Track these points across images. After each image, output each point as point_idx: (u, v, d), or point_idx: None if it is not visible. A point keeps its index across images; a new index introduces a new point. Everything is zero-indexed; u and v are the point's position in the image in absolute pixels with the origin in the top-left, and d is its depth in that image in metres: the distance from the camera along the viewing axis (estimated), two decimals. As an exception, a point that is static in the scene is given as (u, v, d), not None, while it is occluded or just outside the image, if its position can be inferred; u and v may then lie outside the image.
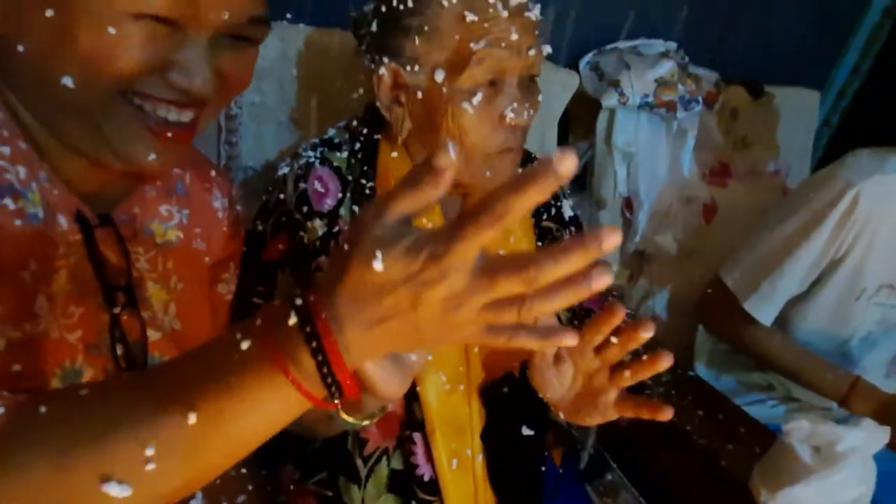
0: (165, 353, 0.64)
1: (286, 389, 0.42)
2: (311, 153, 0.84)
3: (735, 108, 1.65)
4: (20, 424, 0.44)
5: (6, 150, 0.53)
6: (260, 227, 0.82)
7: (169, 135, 0.55)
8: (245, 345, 0.42)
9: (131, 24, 0.50)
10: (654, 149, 1.52)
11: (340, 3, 0.98)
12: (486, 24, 0.73)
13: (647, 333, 0.63)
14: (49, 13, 0.48)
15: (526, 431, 0.85)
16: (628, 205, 1.54)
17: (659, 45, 1.58)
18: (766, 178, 1.68)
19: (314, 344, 0.41)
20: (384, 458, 0.82)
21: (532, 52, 0.76)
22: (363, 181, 0.83)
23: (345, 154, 0.85)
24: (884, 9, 1.89)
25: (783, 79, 1.75)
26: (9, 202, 0.52)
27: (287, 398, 0.43)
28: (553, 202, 0.97)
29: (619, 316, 0.65)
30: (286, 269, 0.79)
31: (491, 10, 0.73)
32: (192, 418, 0.41)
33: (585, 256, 0.36)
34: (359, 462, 0.80)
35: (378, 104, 0.81)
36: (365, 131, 0.86)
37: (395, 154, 0.84)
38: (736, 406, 1.12)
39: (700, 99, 1.51)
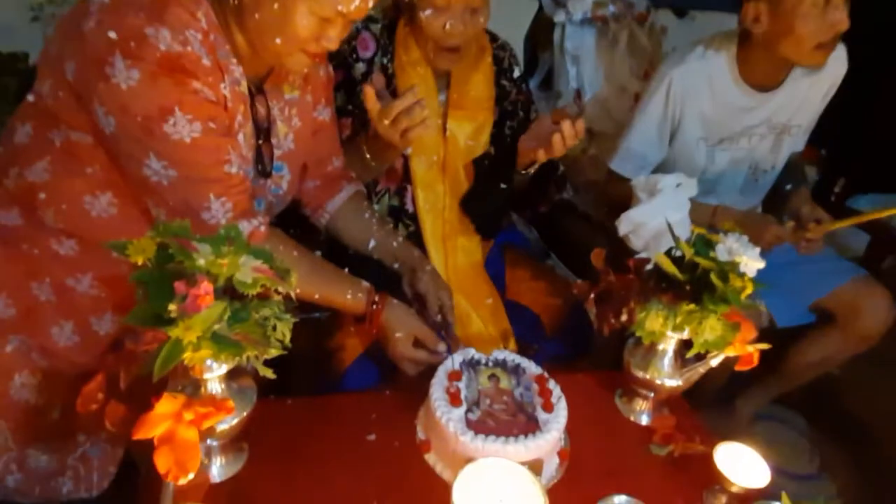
0: (282, 161, 1.09)
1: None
2: (359, 23, 1.37)
3: (664, 26, 2.20)
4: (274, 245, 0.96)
5: (233, 60, 0.94)
6: (329, 69, 1.34)
7: (317, 60, 1.01)
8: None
9: (315, 20, 0.90)
10: (594, 53, 2.08)
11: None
12: None
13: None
14: (276, 6, 0.89)
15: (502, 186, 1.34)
16: (578, 95, 2.10)
17: (602, -20, 2.15)
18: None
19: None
20: (386, 193, 1.42)
21: None
22: (388, 42, 1.40)
23: (379, 25, 1.41)
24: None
25: (706, 5, 2.28)
26: (236, 87, 0.95)
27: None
28: (508, 67, 1.51)
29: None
30: (341, 90, 1.32)
31: None
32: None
33: None
34: (373, 195, 1.41)
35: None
36: (390, 13, 1.43)
37: (406, 28, 1.42)
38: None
39: (627, 14, 2.07)
